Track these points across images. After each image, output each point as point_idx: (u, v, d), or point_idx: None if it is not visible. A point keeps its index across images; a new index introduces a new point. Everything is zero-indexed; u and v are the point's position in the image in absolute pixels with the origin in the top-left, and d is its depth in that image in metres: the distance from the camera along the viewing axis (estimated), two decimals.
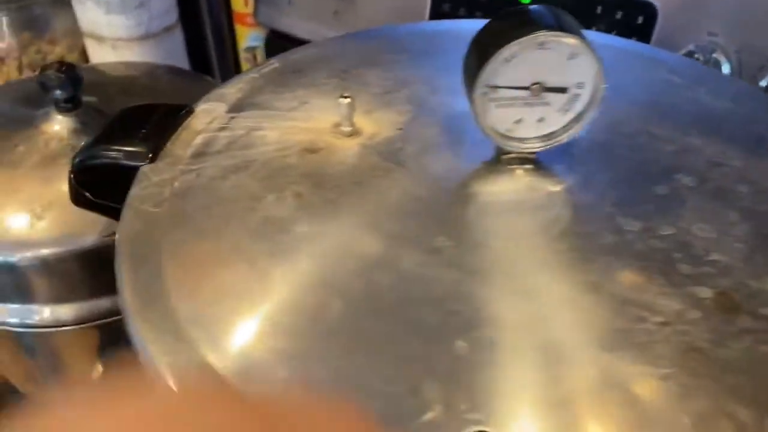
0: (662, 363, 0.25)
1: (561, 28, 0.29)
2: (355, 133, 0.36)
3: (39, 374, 0.58)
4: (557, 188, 0.32)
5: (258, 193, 0.33)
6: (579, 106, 0.32)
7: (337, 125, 0.36)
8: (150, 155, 0.36)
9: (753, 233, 0.30)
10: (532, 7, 0.31)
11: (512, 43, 0.29)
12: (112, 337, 0.56)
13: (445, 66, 0.42)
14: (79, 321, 0.53)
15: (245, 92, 0.41)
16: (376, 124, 0.37)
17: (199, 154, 0.36)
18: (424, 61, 0.43)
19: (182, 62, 1.00)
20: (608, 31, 0.71)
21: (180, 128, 0.39)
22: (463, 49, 0.45)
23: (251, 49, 1.04)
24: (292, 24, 0.96)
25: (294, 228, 0.31)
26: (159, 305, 0.29)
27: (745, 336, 0.26)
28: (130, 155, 0.37)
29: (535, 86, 0.31)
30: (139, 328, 0.29)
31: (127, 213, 0.34)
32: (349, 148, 0.35)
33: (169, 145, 0.37)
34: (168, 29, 0.96)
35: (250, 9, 0.99)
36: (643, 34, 0.69)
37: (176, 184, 0.35)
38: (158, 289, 0.29)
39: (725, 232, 0.30)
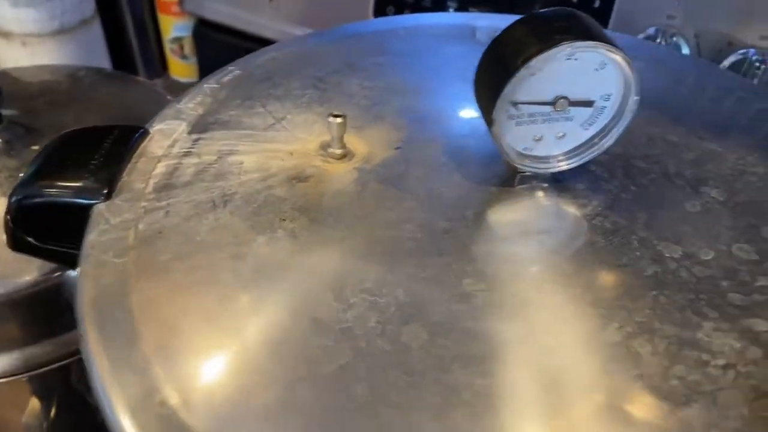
0: (732, 414, 0.23)
1: (592, 36, 0.26)
2: (347, 155, 0.31)
3: None
4: (585, 211, 0.29)
5: (245, 234, 0.28)
6: (603, 120, 0.29)
7: (325, 146, 0.32)
8: (105, 191, 0.31)
9: None
10: (554, 11, 0.27)
11: (539, 56, 0.26)
12: (46, 390, 0.50)
13: (433, 69, 0.38)
14: (10, 373, 0.47)
15: (207, 107, 0.36)
16: (369, 143, 0.32)
17: (163, 187, 0.31)
18: (408, 63, 0.39)
19: (102, 57, 0.92)
20: None
21: (135, 155, 0.33)
22: (447, 47, 0.41)
23: (177, 40, 0.96)
24: (222, 12, 0.90)
25: (294, 277, 0.26)
26: (140, 379, 0.24)
27: None
28: (80, 192, 0.31)
29: (560, 101, 0.27)
30: (114, 409, 0.24)
31: (85, 266, 0.28)
32: (345, 175, 0.31)
33: (125, 176, 0.32)
34: (85, 22, 0.87)
35: None
36: (601, 17, 0.67)
37: (141, 225, 0.29)
38: (137, 359, 0.25)
39: (766, 252, 0.28)
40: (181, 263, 0.28)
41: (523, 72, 0.26)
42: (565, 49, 0.26)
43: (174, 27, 0.96)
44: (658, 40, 0.63)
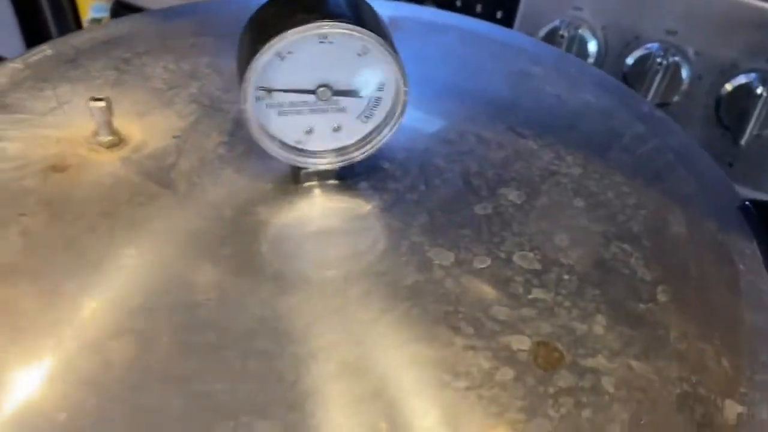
0: None
1: (347, 17, 0.23)
2: (117, 143, 0.28)
3: None
4: (361, 213, 0.26)
5: None
6: (382, 113, 0.26)
7: (96, 133, 0.29)
8: None
9: (585, 260, 0.26)
10: None
11: (283, 35, 0.23)
12: None
13: None
14: None
15: (0, 88, 0.33)
16: (147, 130, 0.29)
17: None
18: (228, 45, 0.36)
19: (13, 37, 0.88)
20: (473, 3, 0.66)
21: None
22: None
23: (96, 21, 0.92)
24: None
25: (12, 280, 0.23)
26: None
27: (564, 398, 0.22)
28: None
29: (321, 89, 0.25)
30: None
31: None
32: (107, 165, 0.28)
33: None
34: None
35: None
36: (509, 7, 0.65)
37: None
38: None
39: (553, 260, 0.25)
40: None
41: (266, 54, 0.23)
42: (311, 29, 0.23)
43: (92, 8, 0.92)
44: (563, 33, 0.61)
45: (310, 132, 0.26)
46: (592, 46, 0.61)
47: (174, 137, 0.29)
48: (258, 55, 0.23)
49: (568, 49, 0.61)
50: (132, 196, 0.26)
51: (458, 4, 0.67)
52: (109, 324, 0.22)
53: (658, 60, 0.57)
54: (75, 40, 0.37)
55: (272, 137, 0.25)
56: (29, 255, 0.24)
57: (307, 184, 0.27)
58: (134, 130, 0.29)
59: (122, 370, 0.21)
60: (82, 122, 0.30)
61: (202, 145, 0.29)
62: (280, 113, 0.25)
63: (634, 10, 0.59)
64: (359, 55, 0.24)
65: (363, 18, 0.24)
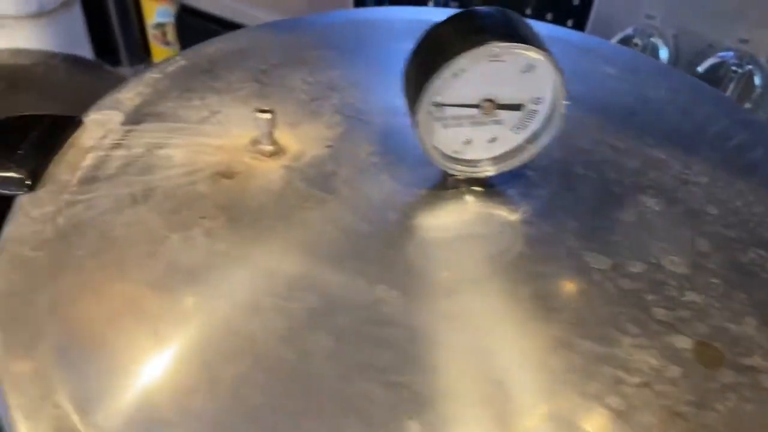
0: None
1: (517, 37, 0.25)
2: (277, 152, 0.30)
3: None
4: (513, 218, 0.28)
5: (160, 231, 0.27)
6: (535, 124, 0.28)
7: (256, 142, 0.31)
8: (28, 182, 0.30)
9: (727, 265, 0.27)
10: (482, 10, 0.26)
11: (461, 56, 0.25)
12: None
13: (379, 64, 0.37)
14: None
15: (146, 97, 0.35)
16: (301, 140, 0.31)
17: (89, 180, 0.30)
18: (355, 58, 0.38)
19: (83, 43, 0.91)
20: (543, 11, 0.68)
21: (66, 145, 0.32)
22: (398, 43, 0.40)
23: (160, 26, 0.95)
24: None
25: (205, 279, 0.25)
26: (38, 380, 0.23)
27: (729, 393, 0.23)
28: (2, 182, 0.30)
29: (486, 104, 0.26)
30: (13, 410, 0.23)
31: None
32: (272, 172, 0.30)
33: (52, 167, 0.31)
34: (65, 5, 0.86)
35: None
36: (580, 15, 0.66)
37: (60, 219, 0.28)
38: (38, 359, 0.24)
39: (699, 265, 0.27)
40: (93, 260, 0.27)
41: (444, 73, 0.25)
42: (486, 50, 0.25)
43: (157, 12, 0.95)
44: (636, 41, 0.62)
45: (468, 143, 0.28)
46: (663, 54, 0.62)
47: (327, 146, 0.31)
48: (437, 73, 0.25)
49: None
50: (300, 201, 0.28)
51: (528, 12, 0.69)
52: (303, 318, 0.24)
53: (733, 68, 0.58)
54: (205, 50, 0.39)
55: (435, 147, 0.27)
56: (216, 255, 0.26)
57: (456, 189, 0.29)
58: (290, 140, 0.31)
59: (323, 361, 0.23)
60: (237, 131, 0.32)
61: (355, 153, 0.31)
62: (444, 125, 0.27)
63: (705, 19, 0.61)
64: (523, 71, 0.26)
65: (526, 36, 0.26)
